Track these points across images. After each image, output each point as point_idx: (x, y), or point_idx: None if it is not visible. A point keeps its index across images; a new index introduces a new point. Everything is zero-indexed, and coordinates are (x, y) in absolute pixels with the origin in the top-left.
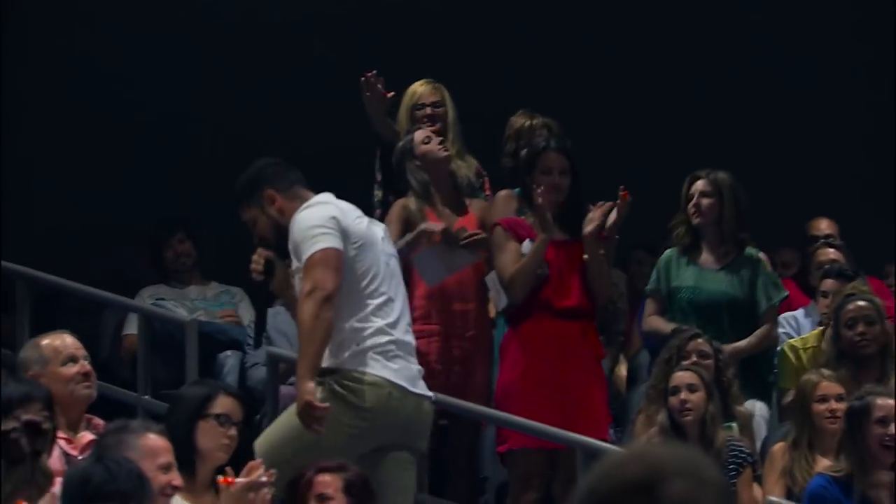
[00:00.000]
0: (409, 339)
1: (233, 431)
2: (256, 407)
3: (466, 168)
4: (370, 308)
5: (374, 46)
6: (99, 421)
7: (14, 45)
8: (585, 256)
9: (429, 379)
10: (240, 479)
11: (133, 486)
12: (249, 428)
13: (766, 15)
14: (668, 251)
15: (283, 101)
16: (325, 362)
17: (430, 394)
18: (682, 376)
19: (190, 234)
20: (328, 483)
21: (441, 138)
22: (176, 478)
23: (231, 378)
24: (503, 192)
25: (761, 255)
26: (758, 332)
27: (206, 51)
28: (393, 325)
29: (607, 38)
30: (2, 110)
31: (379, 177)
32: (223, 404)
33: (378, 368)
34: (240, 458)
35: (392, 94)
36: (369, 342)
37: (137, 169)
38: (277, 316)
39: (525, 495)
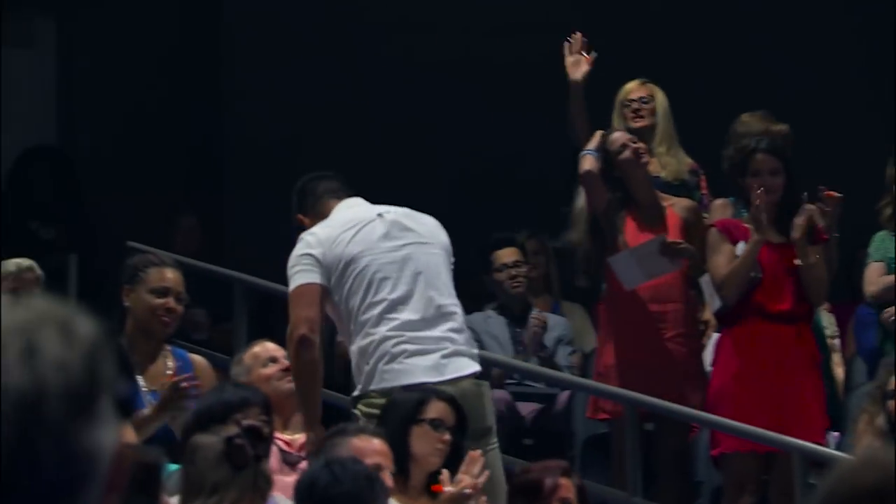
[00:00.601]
0: (431, 331)
1: (447, 436)
2: None
3: (677, 165)
4: (370, 322)
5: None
6: None
7: (230, 51)
8: (797, 261)
9: (628, 380)
10: (449, 489)
11: (359, 487)
12: (462, 433)
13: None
14: (879, 233)
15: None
16: (355, 391)
17: (469, 370)
18: None
19: None
20: (569, 488)
21: (639, 145)
22: (384, 479)
23: None
24: (719, 201)
25: None
26: None
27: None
28: (402, 325)
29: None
30: (224, 124)
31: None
32: (437, 409)
33: (390, 379)
34: (454, 462)
35: (593, 57)
36: (375, 356)
37: (351, 176)
38: (489, 320)
39: (740, 500)
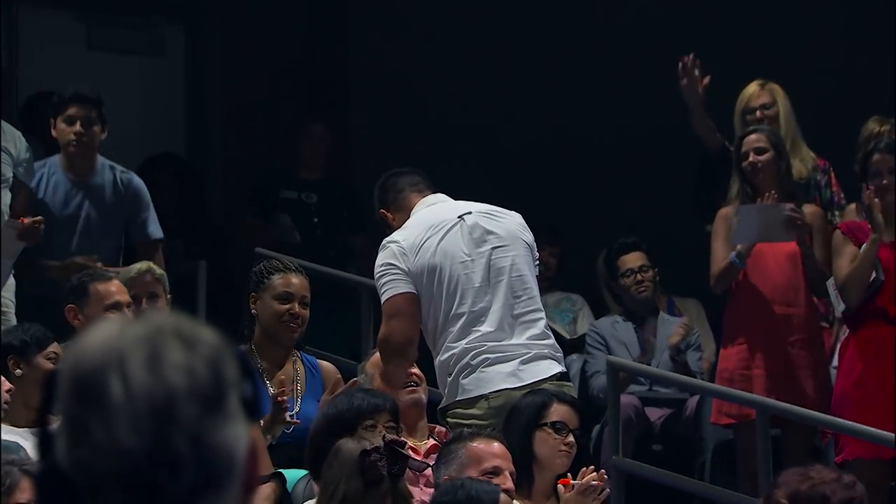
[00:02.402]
0: (512, 340)
1: (570, 438)
2: (598, 414)
3: (801, 164)
4: (451, 335)
5: None
6: (441, 429)
7: (358, 54)
8: None
9: (751, 384)
10: (576, 482)
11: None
12: (587, 436)
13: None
14: None
15: None
16: (441, 403)
17: (550, 372)
18: None
19: (555, 242)
20: None
21: (770, 153)
22: (504, 481)
23: (573, 383)
24: (853, 206)
25: None
26: None
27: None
28: (482, 337)
29: None
30: (354, 134)
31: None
32: (559, 412)
33: (471, 390)
34: (577, 465)
35: (707, 80)
36: (456, 369)
37: (514, 178)
38: (616, 325)
39: None
